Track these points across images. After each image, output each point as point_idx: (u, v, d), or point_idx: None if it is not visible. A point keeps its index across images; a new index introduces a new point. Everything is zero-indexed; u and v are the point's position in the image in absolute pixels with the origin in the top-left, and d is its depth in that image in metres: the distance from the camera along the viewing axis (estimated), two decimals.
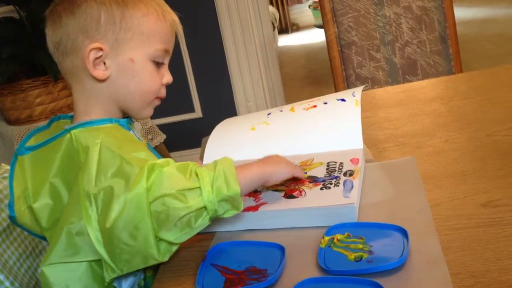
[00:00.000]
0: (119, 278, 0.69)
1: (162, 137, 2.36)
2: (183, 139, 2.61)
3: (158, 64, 0.77)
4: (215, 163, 0.66)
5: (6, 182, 0.94)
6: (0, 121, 2.12)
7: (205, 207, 0.62)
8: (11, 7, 2.09)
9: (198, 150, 1.04)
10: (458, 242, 0.60)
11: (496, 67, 1.27)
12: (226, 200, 0.64)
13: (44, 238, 0.75)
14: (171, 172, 0.63)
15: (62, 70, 0.77)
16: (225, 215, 0.66)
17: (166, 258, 0.64)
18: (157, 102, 0.80)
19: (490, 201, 0.67)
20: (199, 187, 0.62)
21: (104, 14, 0.72)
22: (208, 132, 0.99)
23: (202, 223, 0.63)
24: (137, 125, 0.83)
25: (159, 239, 0.62)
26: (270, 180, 0.72)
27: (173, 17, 0.78)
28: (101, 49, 0.72)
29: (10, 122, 2.05)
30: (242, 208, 0.67)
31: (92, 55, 0.72)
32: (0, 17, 2.05)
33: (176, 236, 0.62)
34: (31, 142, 0.75)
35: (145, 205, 0.60)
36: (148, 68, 0.75)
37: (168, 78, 0.78)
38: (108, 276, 0.65)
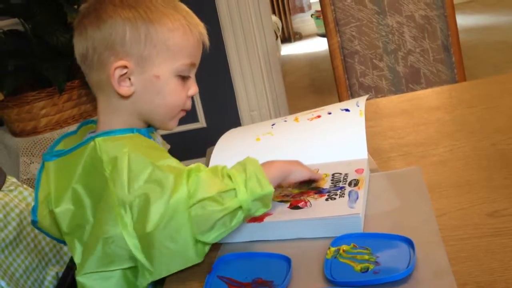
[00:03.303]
0: None
1: (166, 147, 2.37)
2: (188, 148, 2.61)
3: (184, 78, 0.77)
4: (244, 164, 0.68)
5: (12, 195, 0.94)
6: (5, 133, 2.13)
7: (240, 207, 0.65)
8: (16, 20, 2.10)
9: (203, 159, 1.04)
10: (465, 252, 0.60)
11: (500, 76, 1.27)
12: (259, 199, 0.67)
13: (63, 242, 0.76)
14: (207, 176, 0.66)
15: (88, 82, 0.78)
16: (256, 213, 0.68)
17: (202, 259, 0.67)
18: (182, 114, 0.81)
19: (496, 210, 0.67)
20: (234, 189, 0.65)
21: (129, 31, 0.72)
22: (212, 142, 0.99)
23: (237, 222, 0.66)
24: (159, 137, 0.84)
25: (196, 241, 0.65)
26: (289, 177, 0.75)
27: (200, 29, 0.78)
28: (126, 66, 0.73)
29: (15, 134, 2.06)
30: (271, 206, 0.70)
31: (117, 72, 0.73)
32: (5, 29, 2.07)
33: (214, 237, 0.65)
34: (60, 147, 0.77)
35: (185, 209, 0.63)
36: (173, 84, 0.76)
37: (194, 90, 0.79)
38: (145, 280, 0.67)
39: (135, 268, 0.68)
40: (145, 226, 0.64)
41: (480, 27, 4.58)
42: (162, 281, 0.69)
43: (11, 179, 0.98)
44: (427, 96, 1.24)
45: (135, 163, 0.67)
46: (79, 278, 0.70)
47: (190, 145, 2.61)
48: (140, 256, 0.66)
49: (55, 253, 0.98)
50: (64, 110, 2.01)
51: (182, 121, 0.82)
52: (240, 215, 0.66)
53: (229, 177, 0.66)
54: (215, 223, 0.64)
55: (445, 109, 1.10)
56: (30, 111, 1.96)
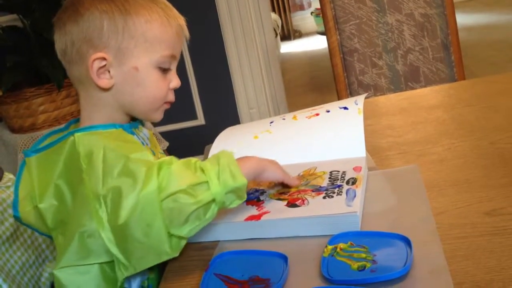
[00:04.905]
0: (129, 278, 0.71)
1: (165, 144, 2.37)
2: (186, 146, 2.61)
3: (164, 70, 0.77)
4: (217, 157, 0.68)
5: (9, 191, 0.94)
6: (3, 129, 2.12)
7: (213, 200, 0.65)
8: (14, 15, 2.10)
9: (201, 157, 1.04)
10: (462, 251, 0.60)
11: (499, 75, 1.27)
12: (233, 191, 0.66)
13: (50, 237, 0.76)
14: (179, 169, 0.65)
15: (70, 77, 0.78)
16: (231, 206, 0.68)
17: (177, 253, 0.66)
18: (166, 106, 0.80)
19: (494, 209, 0.67)
20: (207, 181, 0.65)
21: (106, 23, 0.72)
22: (210, 139, 0.99)
23: (211, 215, 0.66)
24: (146, 131, 0.84)
25: (170, 235, 0.64)
26: (262, 175, 0.75)
27: (179, 22, 0.77)
28: (104, 58, 0.72)
29: (13, 130, 2.05)
30: (246, 197, 0.70)
31: (96, 64, 0.72)
32: (4, 25, 2.06)
33: (188, 230, 0.64)
34: (45, 142, 0.76)
35: (157, 203, 0.62)
36: (153, 76, 0.75)
37: (175, 82, 0.78)
38: (121, 274, 0.66)
39: (113, 263, 0.67)
40: (117, 219, 0.63)
41: (480, 26, 4.58)
42: (159, 269, 0.69)
43: (8, 175, 0.98)
44: (426, 95, 1.23)
45: (110, 157, 0.67)
46: (56, 272, 0.69)
47: (189, 143, 2.61)
48: (114, 250, 0.65)
49: (52, 250, 0.98)
50: (62, 107, 2.01)
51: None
52: (214, 208, 0.65)
53: (202, 169, 0.66)
54: (189, 216, 0.63)
55: (444, 107, 1.10)
56: (28, 107, 1.96)
